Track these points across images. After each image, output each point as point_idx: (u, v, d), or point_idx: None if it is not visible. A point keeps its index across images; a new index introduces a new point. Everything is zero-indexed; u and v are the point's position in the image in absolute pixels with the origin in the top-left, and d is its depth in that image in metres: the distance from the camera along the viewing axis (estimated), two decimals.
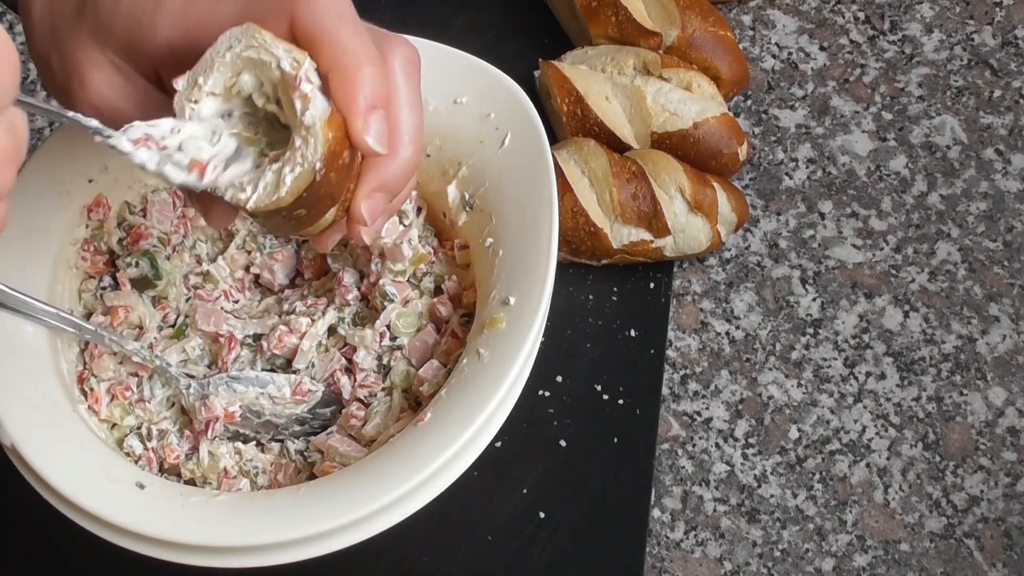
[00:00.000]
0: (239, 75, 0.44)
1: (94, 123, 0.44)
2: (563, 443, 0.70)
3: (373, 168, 0.46)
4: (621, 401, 0.72)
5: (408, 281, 0.64)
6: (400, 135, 0.46)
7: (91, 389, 0.61)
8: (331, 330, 0.63)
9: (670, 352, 0.74)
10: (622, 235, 0.72)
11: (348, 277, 0.64)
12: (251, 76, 0.44)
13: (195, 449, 0.60)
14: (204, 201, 0.48)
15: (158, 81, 0.48)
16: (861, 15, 0.86)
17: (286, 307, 0.64)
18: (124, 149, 0.43)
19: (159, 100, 0.48)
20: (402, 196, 0.49)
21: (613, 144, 0.75)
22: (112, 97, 0.48)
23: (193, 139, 0.44)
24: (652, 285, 0.75)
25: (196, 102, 0.44)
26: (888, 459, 0.71)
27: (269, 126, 0.46)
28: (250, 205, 0.44)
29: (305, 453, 0.61)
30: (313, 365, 0.63)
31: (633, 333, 0.74)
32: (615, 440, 0.70)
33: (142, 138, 0.43)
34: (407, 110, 0.46)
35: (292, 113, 0.44)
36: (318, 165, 0.43)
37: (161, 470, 0.60)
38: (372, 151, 0.44)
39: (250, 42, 0.43)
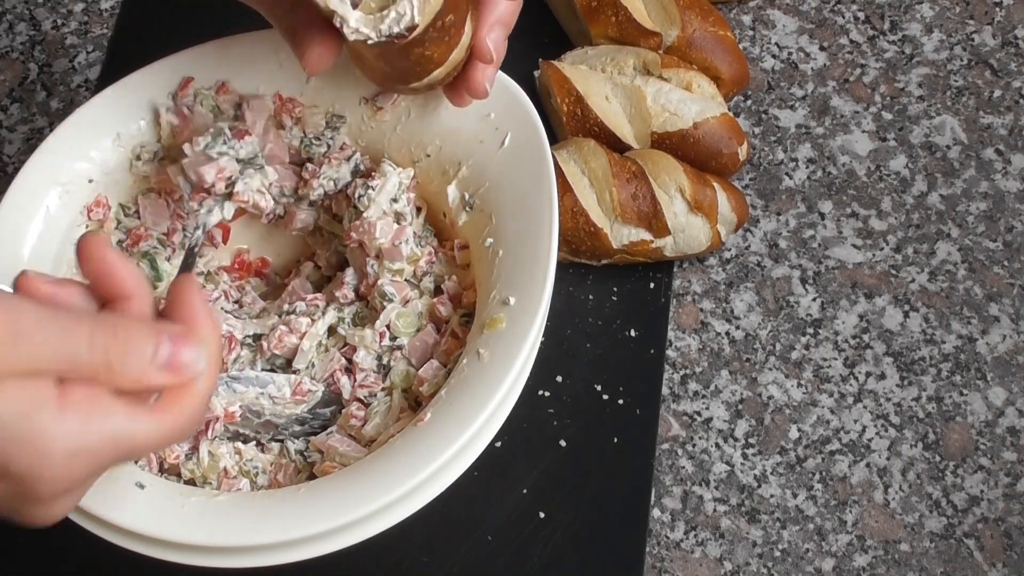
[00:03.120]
0: None
1: None
2: (563, 443, 0.70)
3: (489, 7, 0.49)
4: (621, 401, 0.72)
5: (408, 281, 0.64)
6: None
7: None
8: (331, 330, 0.63)
9: (670, 352, 0.74)
10: (622, 235, 0.72)
11: (348, 277, 0.64)
12: None
13: (195, 449, 0.60)
14: (302, 41, 0.50)
15: None
16: (861, 15, 0.86)
17: (286, 307, 0.64)
18: None
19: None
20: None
21: (613, 144, 0.75)
22: None
23: None
24: (652, 285, 0.75)
25: None
26: (888, 459, 0.71)
27: None
28: (403, 26, 0.46)
29: (305, 453, 0.61)
30: (313, 365, 0.63)
31: (633, 333, 0.74)
32: (615, 440, 0.70)
33: None
34: None
35: None
36: None
37: (161, 470, 0.60)
38: None
39: None
